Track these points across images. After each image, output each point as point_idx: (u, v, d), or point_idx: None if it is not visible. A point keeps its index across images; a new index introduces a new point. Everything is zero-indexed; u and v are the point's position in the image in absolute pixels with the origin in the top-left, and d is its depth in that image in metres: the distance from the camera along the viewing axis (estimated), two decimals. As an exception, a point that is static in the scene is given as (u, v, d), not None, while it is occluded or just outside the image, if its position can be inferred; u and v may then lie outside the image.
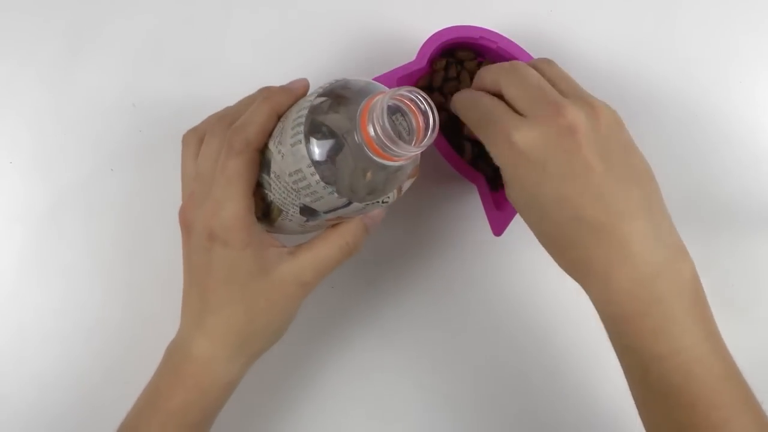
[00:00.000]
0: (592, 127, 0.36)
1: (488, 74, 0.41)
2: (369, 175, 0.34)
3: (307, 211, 0.37)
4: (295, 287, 0.39)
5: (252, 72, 0.52)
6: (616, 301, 0.36)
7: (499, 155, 0.38)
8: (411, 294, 0.50)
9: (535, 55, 0.47)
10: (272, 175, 0.37)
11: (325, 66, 0.52)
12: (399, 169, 0.35)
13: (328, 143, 0.34)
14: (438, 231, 0.51)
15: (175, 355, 0.40)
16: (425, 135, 0.32)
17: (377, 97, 0.32)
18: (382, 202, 0.36)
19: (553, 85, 0.39)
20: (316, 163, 0.34)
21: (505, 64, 0.41)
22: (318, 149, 0.34)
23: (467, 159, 0.46)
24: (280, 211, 0.38)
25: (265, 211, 0.40)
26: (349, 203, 0.35)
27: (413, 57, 0.46)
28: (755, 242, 0.52)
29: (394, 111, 0.33)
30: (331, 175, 0.34)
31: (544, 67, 0.40)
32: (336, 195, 0.34)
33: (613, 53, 0.54)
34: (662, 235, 0.36)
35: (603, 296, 0.37)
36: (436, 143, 0.46)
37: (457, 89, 0.45)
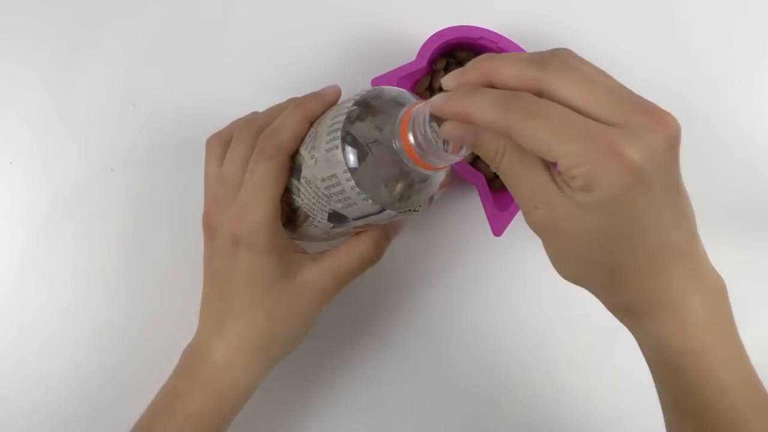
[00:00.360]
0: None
1: (510, 68, 0.31)
2: (405, 183, 0.34)
3: (336, 218, 0.37)
4: (316, 294, 0.39)
5: (252, 72, 0.53)
6: (691, 332, 0.32)
7: (601, 172, 0.29)
8: (410, 294, 0.50)
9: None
10: (302, 181, 0.37)
11: (326, 65, 0.52)
12: (433, 178, 0.35)
13: (366, 150, 0.34)
14: (437, 231, 0.51)
15: (193, 359, 0.40)
16: (461, 145, 0.32)
17: (418, 105, 0.32)
18: (414, 211, 0.36)
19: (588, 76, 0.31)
20: (352, 170, 0.34)
21: (529, 55, 0.32)
22: (355, 156, 0.34)
23: (467, 159, 0.46)
24: (307, 216, 0.39)
25: (290, 217, 0.40)
26: (382, 210, 0.35)
27: (413, 57, 0.46)
28: (755, 242, 0.52)
29: (430, 120, 0.33)
30: (366, 181, 0.34)
31: (578, 65, 0.32)
32: (370, 202, 0.35)
33: (613, 53, 0.54)
34: (705, 254, 0.34)
35: (677, 329, 0.32)
36: None
37: None
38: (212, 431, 0.39)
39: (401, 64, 0.46)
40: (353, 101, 0.35)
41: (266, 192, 0.37)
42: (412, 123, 0.32)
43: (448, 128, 0.31)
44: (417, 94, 0.49)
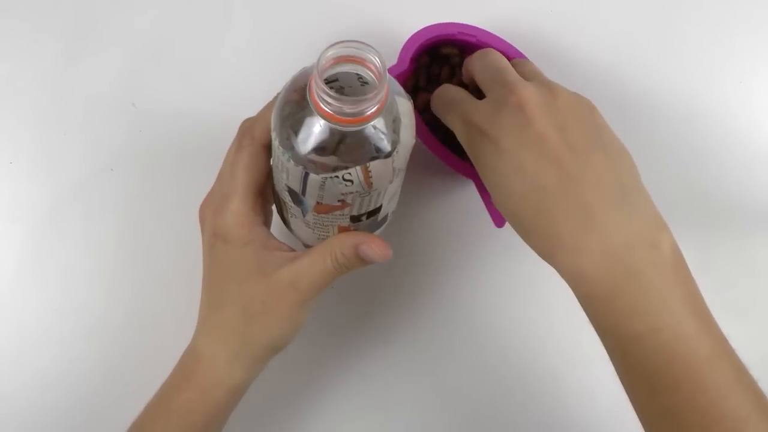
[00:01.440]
0: (546, 104, 0.36)
1: (467, 62, 0.44)
2: (315, 135, 0.33)
3: (293, 196, 0.37)
4: (291, 293, 0.37)
5: (251, 72, 0.53)
6: (589, 278, 0.34)
7: (461, 138, 0.40)
8: (411, 291, 0.50)
9: (529, 49, 0.47)
10: (272, 164, 0.38)
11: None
12: (353, 138, 0.33)
13: (288, 111, 0.34)
14: (436, 226, 0.51)
15: (186, 356, 0.40)
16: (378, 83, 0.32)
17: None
18: (344, 179, 0.34)
19: (521, 75, 0.40)
20: (276, 129, 0.34)
21: (480, 50, 0.43)
22: (278, 118, 0.34)
23: (461, 155, 0.46)
24: (283, 202, 0.39)
25: (279, 208, 0.40)
26: (307, 174, 0.34)
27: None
28: (754, 242, 0.52)
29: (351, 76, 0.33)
30: (286, 139, 0.34)
31: (517, 62, 0.42)
32: (293, 163, 0.34)
33: (614, 53, 0.54)
34: (635, 205, 0.35)
35: (575, 274, 0.35)
36: (426, 142, 0.46)
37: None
38: (198, 428, 0.39)
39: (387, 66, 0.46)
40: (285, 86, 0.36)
41: (240, 180, 0.37)
42: (316, 69, 0.31)
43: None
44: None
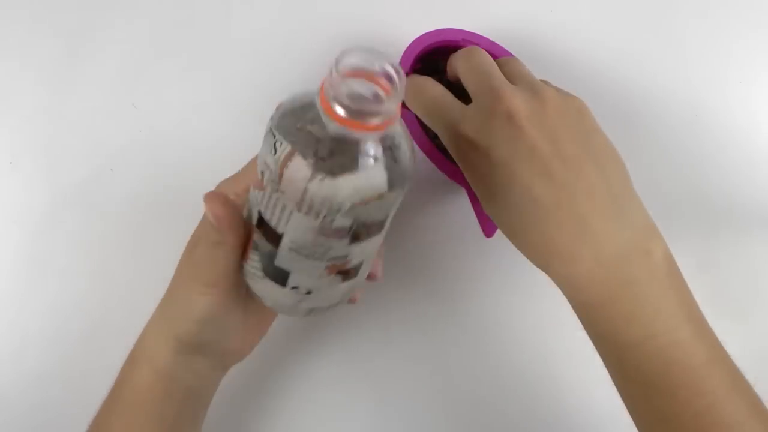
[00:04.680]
0: (535, 111, 0.36)
1: (451, 60, 0.42)
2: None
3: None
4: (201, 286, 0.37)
5: (251, 72, 0.53)
6: (584, 286, 0.35)
7: (449, 145, 0.39)
8: (404, 297, 0.50)
9: (528, 55, 0.47)
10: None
11: (322, 73, 0.52)
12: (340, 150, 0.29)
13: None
14: (428, 234, 0.51)
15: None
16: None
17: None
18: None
19: (507, 76, 0.39)
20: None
21: (465, 49, 0.42)
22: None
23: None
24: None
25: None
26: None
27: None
28: (754, 243, 0.52)
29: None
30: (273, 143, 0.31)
31: (500, 63, 0.41)
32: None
33: (614, 53, 0.54)
34: (627, 214, 0.35)
35: (569, 282, 0.36)
36: (422, 147, 0.45)
37: None
38: (158, 419, 0.38)
39: None
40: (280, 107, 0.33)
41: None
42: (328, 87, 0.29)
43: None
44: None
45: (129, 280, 0.50)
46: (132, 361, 0.39)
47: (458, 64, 0.41)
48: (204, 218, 0.37)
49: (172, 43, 0.53)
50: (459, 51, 0.42)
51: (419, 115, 0.42)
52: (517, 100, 0.36)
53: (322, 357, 0.49)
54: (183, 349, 0.38)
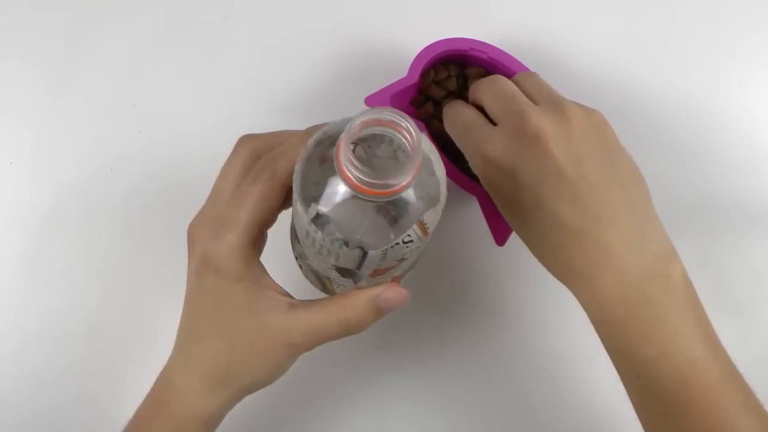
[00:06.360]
0: (561, 132, 0.36)
1: (474, 89, 0.43)
2: (367, 217, 0.30)
3: (345, 272, 0.34)
4: (280, 344, 0.35)
5: (251, 72, 0.53)
6: (604, 305, 0.36)
7: (475, 167, 0.40)
8: (412, 303, 0.50)
9: (533, 61, 0.47)
10: (301, 240, 0.34)
11: (320, 77, 0.52)
12: (401, 203, 0.30)
13: (319, 195, 0.30)
14: (440, 242, 0.51)
15: (159, 384, 0.38)
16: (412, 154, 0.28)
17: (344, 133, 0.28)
18: (403, 242, 0.31)
19: (528, 94, 0.39)
20: (314, 220, 0.31)
21: (487, 78, 0.42)
22: (312, 205, 0.31)
23: (467, 171, 0.46)
24: (329, 279, 0.36)
25: (322, 286, 0.38)
26: (365, 253, 0.31)
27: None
28: (755, 242, 0.52)
29: (380, 141, 0.29)
30: (332, 228, 0.30)
31: (520, 79, 0.41)
32: (347, 248, 0.31)
33: (614, 54, 0.54)
34: (648, 237, 0.36)
35: (591, 300, 0.37)
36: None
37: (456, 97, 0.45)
38: None
39: (396, 78, 0.45)
40: (308, 146, 0.32)
41: (246, 215, 0.35)
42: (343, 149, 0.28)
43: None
44: (414, 110, 0.48)
45: (129, 280, 0.50)
46: (169, 411, 0.37)
47: (481, 91, 0.42)
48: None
49: (171, 43, 0.53)
50: (481, 80, 0.42)
51: (454, 138, 0.42)
52: (543, 122, 0.36)
53: (323, 359, 0.49)
54: (233, 402, 0.37)
